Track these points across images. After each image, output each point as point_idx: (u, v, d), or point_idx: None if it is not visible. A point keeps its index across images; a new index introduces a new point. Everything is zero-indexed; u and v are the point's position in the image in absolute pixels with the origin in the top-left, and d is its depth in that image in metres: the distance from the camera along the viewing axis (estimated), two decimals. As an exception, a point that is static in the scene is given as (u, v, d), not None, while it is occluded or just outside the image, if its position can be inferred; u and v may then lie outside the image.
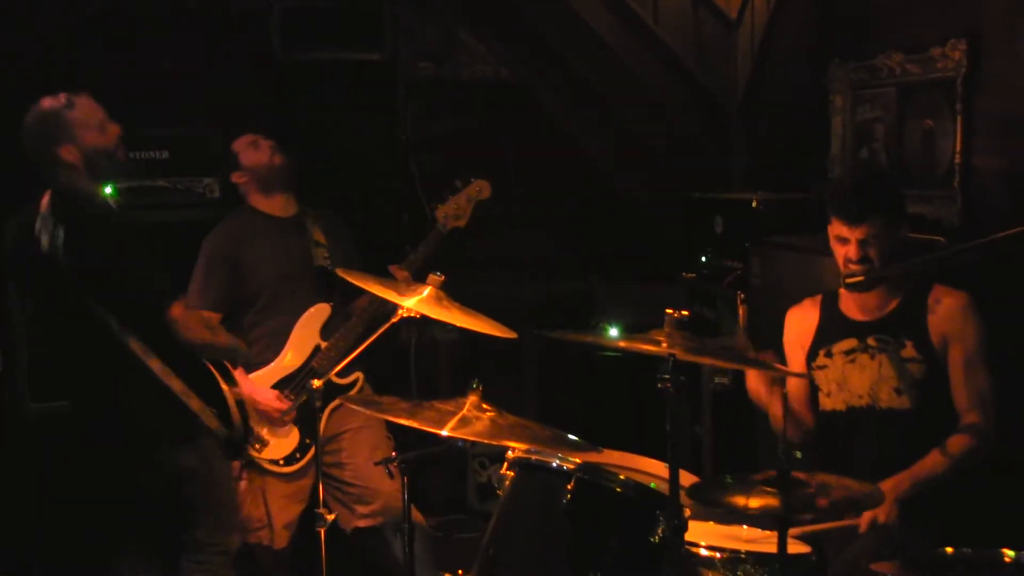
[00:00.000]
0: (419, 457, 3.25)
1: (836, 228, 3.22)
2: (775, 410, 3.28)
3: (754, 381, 3.34)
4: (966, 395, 3.12)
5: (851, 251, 3.18)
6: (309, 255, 4.09)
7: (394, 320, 3.28)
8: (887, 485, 3.01)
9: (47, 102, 3.40)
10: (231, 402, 3.50)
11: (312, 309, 4.04)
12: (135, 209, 3.99)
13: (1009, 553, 2.57)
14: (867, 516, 3.01)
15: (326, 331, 4.03)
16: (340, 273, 3.42)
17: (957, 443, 3.08)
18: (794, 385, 3.37)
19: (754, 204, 4.33)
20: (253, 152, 4.13)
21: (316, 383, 3.32)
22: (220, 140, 4.67)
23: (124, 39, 4.86)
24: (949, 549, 2.64)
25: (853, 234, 3.17)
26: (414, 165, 5.32)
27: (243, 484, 4.00)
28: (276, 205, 4.15)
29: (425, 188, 5.23)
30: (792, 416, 3.31)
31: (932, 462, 3.07)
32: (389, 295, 3.21)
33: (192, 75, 4.91)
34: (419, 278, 3.35)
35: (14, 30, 4.65)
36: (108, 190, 4.56)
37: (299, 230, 4.13)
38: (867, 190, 3.27)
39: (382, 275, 3.91)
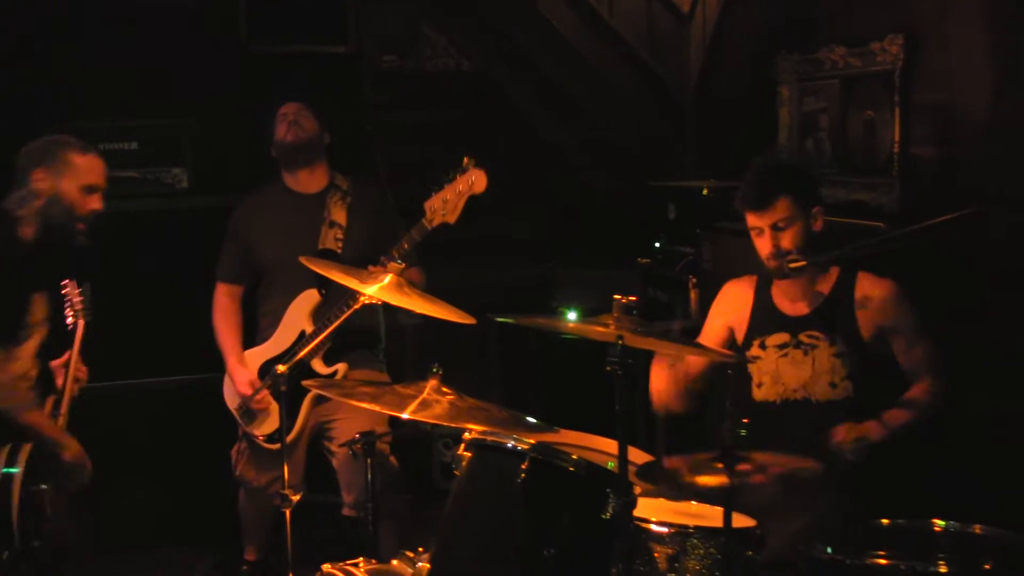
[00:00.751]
0: (381, 438, 3.29)
1: (749, 220, 3.22)
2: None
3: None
4: (915, 368, 3.13)
5: (765, 243, 3.18)
6: (316, 236, 4.00)
7: (356, 307, 3.28)
8: (867, 426, 3.02)
9: (69, 138, 3.39)
10: (13, 501, 3.15)
11: (303, 294, 3.96)
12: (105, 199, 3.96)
13: (939, 523, 2.65)
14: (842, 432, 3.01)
15: (317, 316, 3.93)
16: (303, 261, 3.40)
17: (915, 394, 3.09)
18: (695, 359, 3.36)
19: (705, 192, 4.37)
20: (279, 127, 4.02)
21: (281, 368, 3.32)
22: (189, 131, 4.67)
23: (94, 33, 4.83)
24: (885, 520, 2.71)
25: (763, 221, 3.17)
26: (379, 154, 5.31)
27: (242, 445, 4.05)
28: (299, 181, 4.07)
29: (389, 176, 5.25)
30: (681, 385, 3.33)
31: (899, 413, 3.06)
32: (350, 283, 3.21)
33: (161, 67, 4.87)
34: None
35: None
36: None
37: (316, 209, 4.02)
38: (768, 176, 3.26)
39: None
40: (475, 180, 3.63)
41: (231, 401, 4.03)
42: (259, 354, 4.01)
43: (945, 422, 3.18)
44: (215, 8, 4.92)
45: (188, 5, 4.95)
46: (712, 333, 3.42)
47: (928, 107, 3.72)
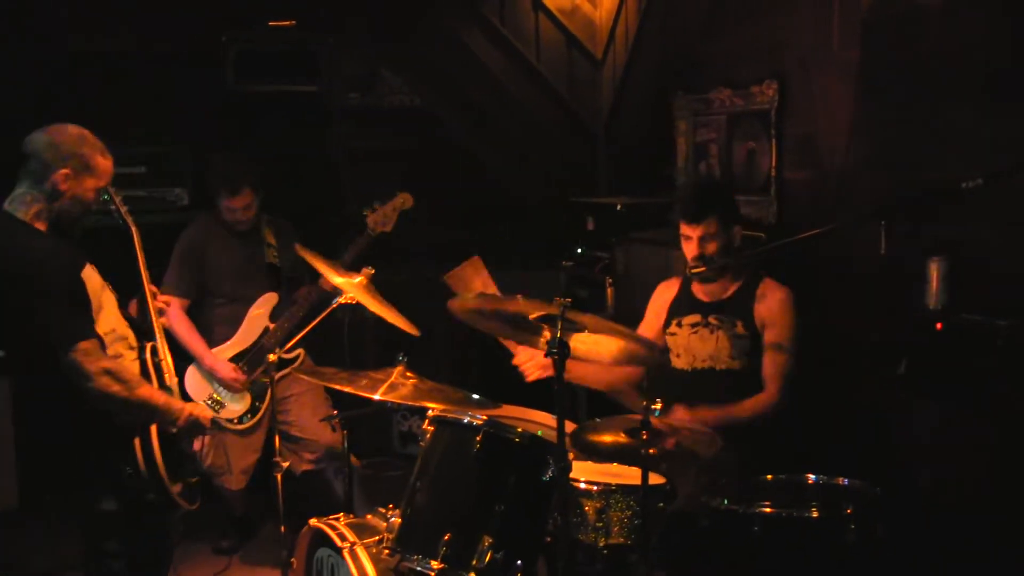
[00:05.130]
0: (356, 415, 3.30)
1: (682, 228, 3.29)
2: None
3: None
4: (770, 369, 3.21)
5: (692, 248, 3.26)
6: (263, 255, 4.10)
7: (333, 307, 3.30)
8: (703, 410, 3.10)
9: (92, 137, 2.87)
10: (138, 449, 2.85)
11: (263, 297, 4.07)
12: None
13: (811, 476, 2.75)
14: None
15: (274, 315, 4.07)
16: (298, 250, 3.37)
17: (748, 405, 3.16)
18: (645, 330, 3.46)
19: (618, 207, 4.43)
20: (229, 213, 4.04)
21: (272, 357, 3.34)
22: (188, 156, 4.64)
23: (110, 73, 4.78)
24: (769, 476, 2.80)
25: (694, 232, 3.23)
26: (344, 176, 5.32)
27: (207, 439, 3.97)
28: (240, 221, 4.10)
29: (353, 195, 5.24)
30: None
31: (728, 412, 3.12)
32: (330, 274, 3.25)
33: (165, 103, 4.85)
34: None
35: (17, 60, 4.55)
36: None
37: (256, 234, 4.12)
38: (703, 195, 3.34)
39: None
40: (404, 199, 4.10)
41: (199, 395, 3.98)
42: (226, 350, 4.04)
43: (810, 397, 3.28)
44: (208, 54, 4.89)
45: (186, 51, 4.92)
46: (647, 323, 3.49)
47: (797, 138, 3.81)
